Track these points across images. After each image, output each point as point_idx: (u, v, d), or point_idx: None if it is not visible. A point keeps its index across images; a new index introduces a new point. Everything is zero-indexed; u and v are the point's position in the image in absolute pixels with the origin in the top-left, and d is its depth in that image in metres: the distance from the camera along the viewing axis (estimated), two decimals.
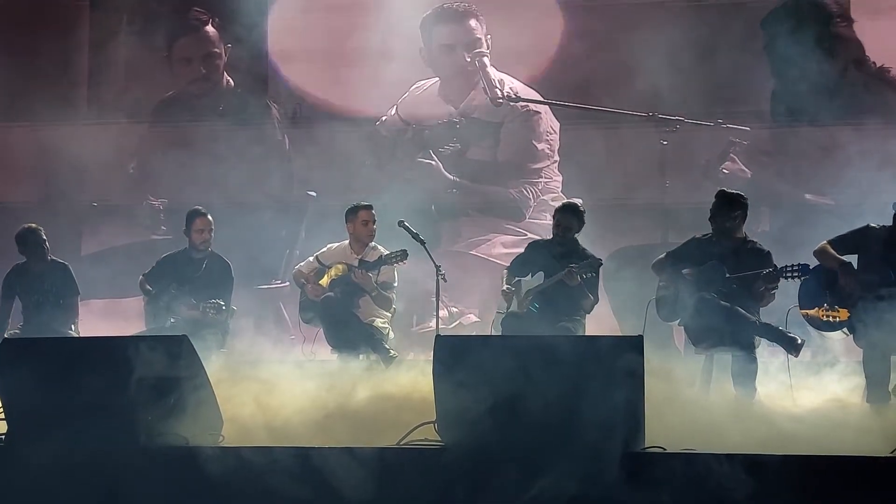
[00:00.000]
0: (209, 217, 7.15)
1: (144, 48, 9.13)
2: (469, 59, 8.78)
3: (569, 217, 6.71)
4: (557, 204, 8.59)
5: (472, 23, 8.80)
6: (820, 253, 6.11)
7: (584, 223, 6.74)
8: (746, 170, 8.26)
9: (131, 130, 9.13)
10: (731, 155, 8.31)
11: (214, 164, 8.68)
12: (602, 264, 6.61)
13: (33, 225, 7.23)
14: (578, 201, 7.14)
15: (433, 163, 8.80)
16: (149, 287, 7.11)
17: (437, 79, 8.89)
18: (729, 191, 6.50)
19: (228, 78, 9.14)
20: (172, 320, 6.86)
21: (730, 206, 6.32)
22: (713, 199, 6.40)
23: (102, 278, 8.32)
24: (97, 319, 7.95)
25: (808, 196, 8.02)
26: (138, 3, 9.14)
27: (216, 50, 9.11)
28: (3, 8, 9.14)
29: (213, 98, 9.14)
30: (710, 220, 6.38)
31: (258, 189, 8.76)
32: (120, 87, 9.19)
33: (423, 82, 8.89)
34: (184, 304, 6.89)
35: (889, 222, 5.98)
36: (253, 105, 9.00)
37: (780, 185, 8.10)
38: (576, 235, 6.74)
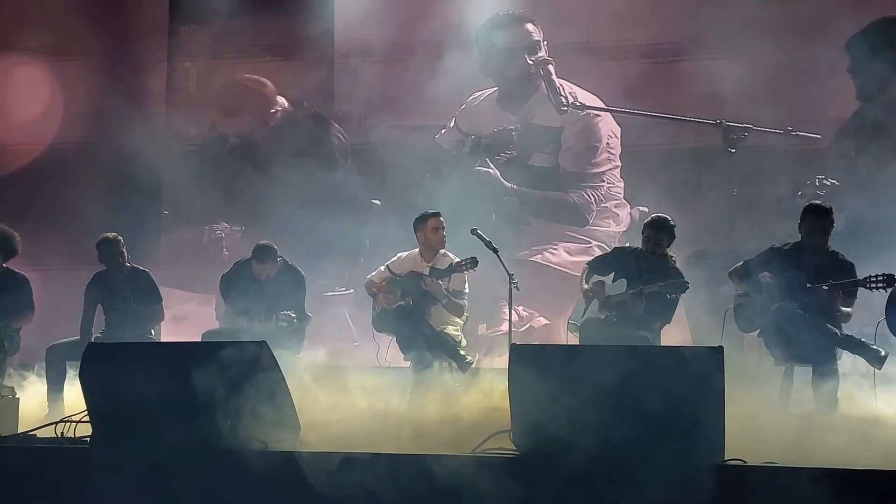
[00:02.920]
0: (266, 265, 7.05)
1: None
2: (532, 63, 8.77)
3: (658, 232, 6.64)
4: (621, 210, 8.67)
5: (529, 27, 8.81)
6: None
7: (674, 237, 6.68)
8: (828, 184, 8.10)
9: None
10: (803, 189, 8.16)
11: (283, 185, 8.76)
12: (689, 287, 6.51)
13: (110, 235, 7.27)
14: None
15: (490, 171, 8.81)
16: (225, 297, 7.18)
17: (495, 88, 8.89)
18: (822, 204, 6.37)
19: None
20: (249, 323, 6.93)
21: (825, 222, 6.25)
22: (803, 213, 6.32)
23: None
24: None
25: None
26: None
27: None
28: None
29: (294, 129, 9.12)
30: (803, 234, 6.29)
31: (323, 201, 8.81)
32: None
33: (479, 93, 8.90)
34: (257, 316, 6.94)
35: None
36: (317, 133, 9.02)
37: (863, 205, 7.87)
38: (668, 251, 6.68)
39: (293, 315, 6.88)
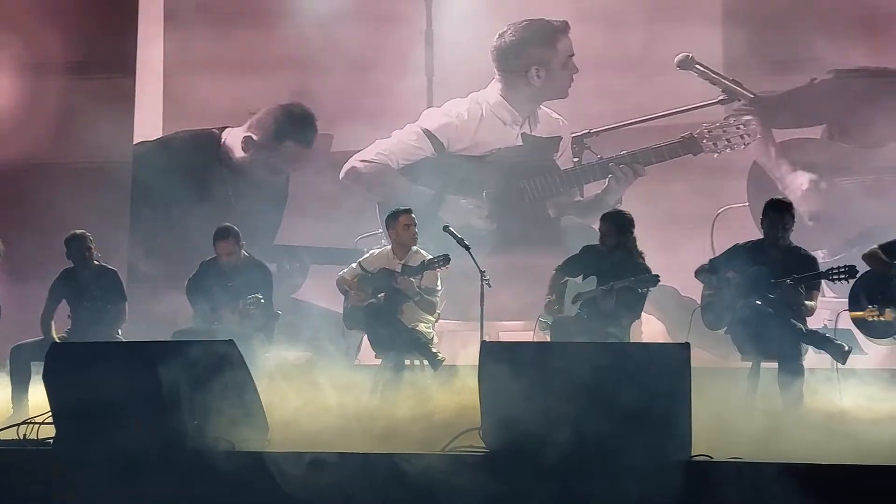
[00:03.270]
0: (227, 242, 6.97)
1: None
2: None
3: (607, 224, 6.64)
4: None
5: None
6: (870, 257, 6.07)
7: (628, 231, 6.61)
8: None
9: None
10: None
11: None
12: (659, 281, 6.50)
13: (78, 231, 7.21)
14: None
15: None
16: (192, 298, 7.12)
17: (473, 101, 8.68)
18: (782, 199, 6.47)
19: None
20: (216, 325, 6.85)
21: (786, 216, 6.29)
22: (764, 208, 6.35)
23: None
24: None
25: None
26: None
27: None
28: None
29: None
30: (765, 229, 6.33)
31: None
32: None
33: (454, 102, 8.67)
34: (225, 309, 6.89)
35: None
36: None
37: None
38: (636, 245, 6.65)
39: (260, 297, 6.76)
